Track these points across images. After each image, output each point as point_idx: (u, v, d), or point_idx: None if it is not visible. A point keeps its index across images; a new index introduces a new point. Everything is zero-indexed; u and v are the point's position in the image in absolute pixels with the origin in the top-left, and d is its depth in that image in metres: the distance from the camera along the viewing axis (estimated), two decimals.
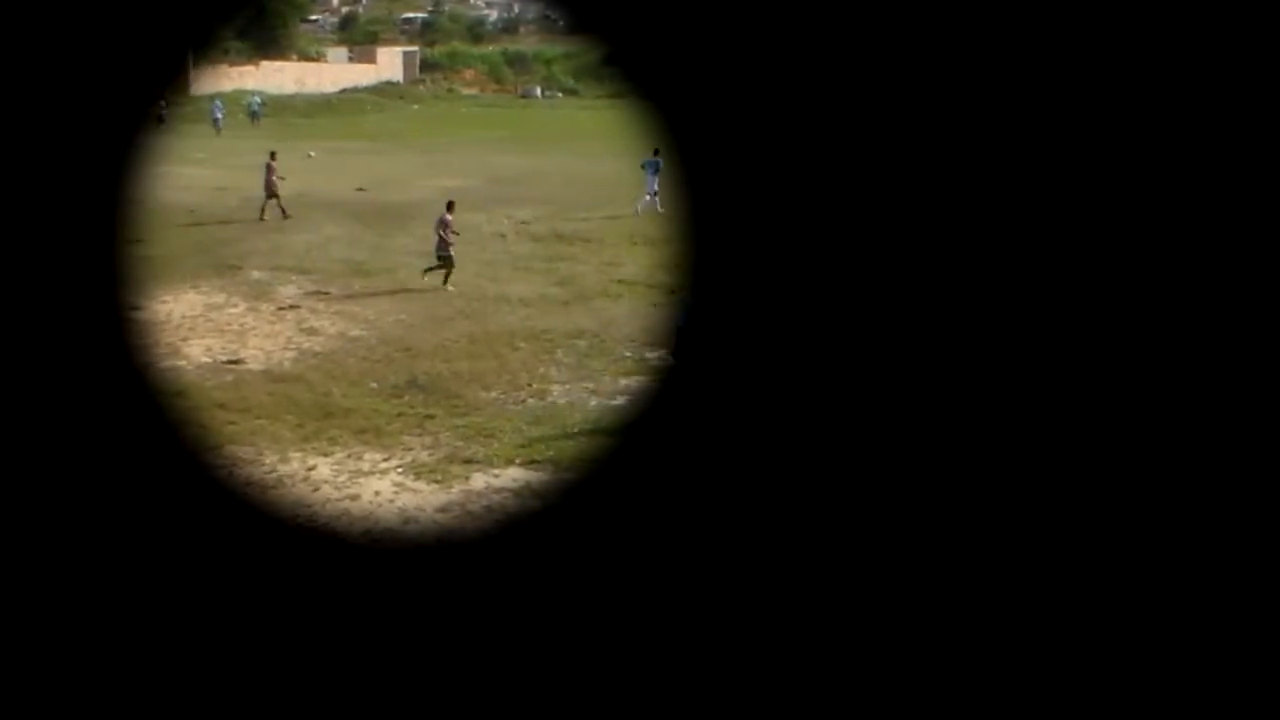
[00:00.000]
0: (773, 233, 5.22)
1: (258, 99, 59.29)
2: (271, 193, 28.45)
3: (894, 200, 5.03)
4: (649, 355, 16.80)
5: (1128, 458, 4.92)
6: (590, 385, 15.42)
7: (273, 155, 29.42)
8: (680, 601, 5.37)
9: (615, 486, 6.05)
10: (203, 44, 5.93)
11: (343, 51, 79.72)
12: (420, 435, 13.22)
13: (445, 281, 21.18)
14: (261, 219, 28.14)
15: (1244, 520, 4.80)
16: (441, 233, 21.45)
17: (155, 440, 5.97)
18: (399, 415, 13.88)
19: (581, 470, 9.01)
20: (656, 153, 27.94)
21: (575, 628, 5.38)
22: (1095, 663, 4.91)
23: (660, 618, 5.35)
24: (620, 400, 14.80)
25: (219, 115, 52.19)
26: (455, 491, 11.58)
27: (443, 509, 11.03)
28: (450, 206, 21.95)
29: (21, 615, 5.15)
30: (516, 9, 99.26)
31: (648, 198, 29.43)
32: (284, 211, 28.38)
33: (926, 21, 4.91)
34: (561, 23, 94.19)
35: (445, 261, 21.33)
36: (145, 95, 5.56)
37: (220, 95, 56.24)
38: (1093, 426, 4.94)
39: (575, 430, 13.51)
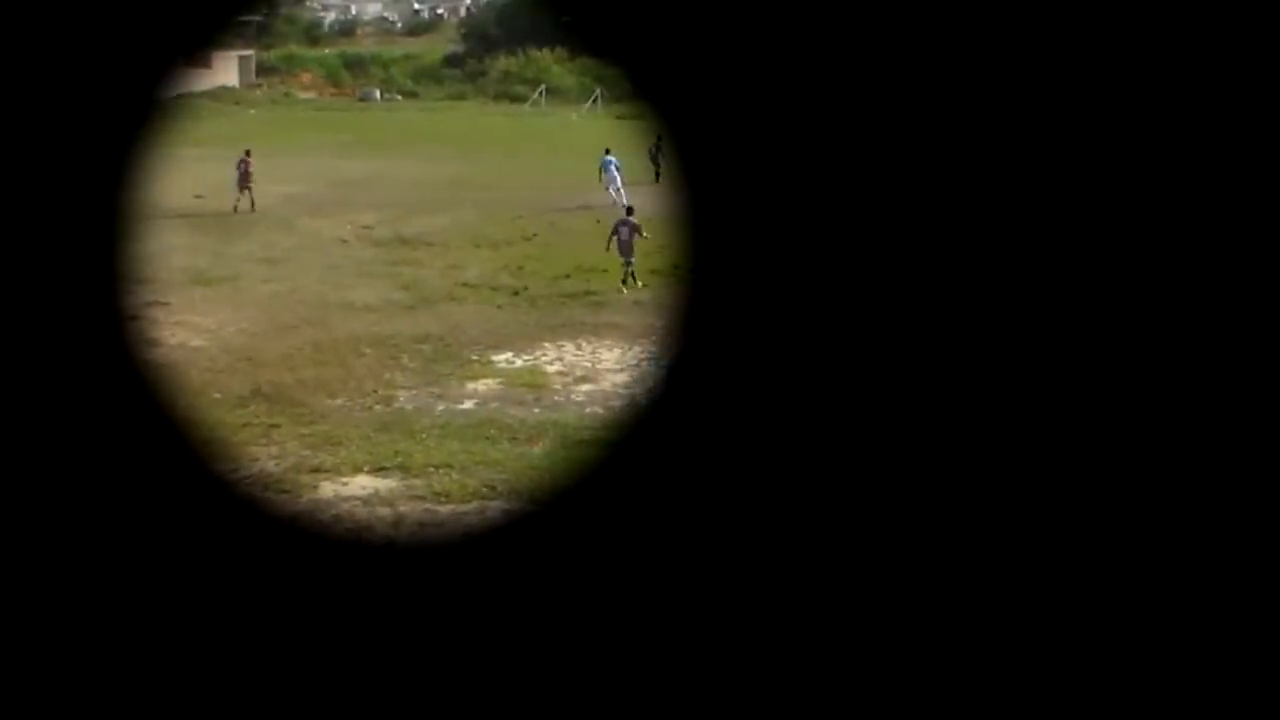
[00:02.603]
0: (773, 234, 5.27)
1: None
2: (245, 185, 30.66)
3: (895, 201, 5.10)
4: (495, 359, 16.85)
5: (1128, 458, 4.98)
6: (437, 390, 15.42)
7: (248, 152, 31.47)
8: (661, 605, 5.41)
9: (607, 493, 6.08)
10: (200, 43, 5.85)
11: None
12: (266, 445, 13.12)
13: (636, 281, 21.54)
14: (237, 211, 30.20)
15: (1244, 520, 4.87)
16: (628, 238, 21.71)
17: (155, 441, 5.91)
18: (244, 426, 13.73)
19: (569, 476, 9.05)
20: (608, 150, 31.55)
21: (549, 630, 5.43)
22: (1095, 663, 4.98)
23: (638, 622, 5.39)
24: (471, 404, 14.83)
25: None
26: (303, 501, 11.54)
27: (291, 519, 10.97)
28: (630, 211, 22.59)
29: None
30: (354, 11, 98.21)
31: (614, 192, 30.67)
32: (247, 205, 30.53)
33: (926, 21, 4.97)
34: (400, 24, 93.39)
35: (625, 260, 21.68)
36: (140, 97, 5.52)
37: None
38: (1093, 426, 5.00)
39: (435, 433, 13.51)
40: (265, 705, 5.22)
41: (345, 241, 26.53)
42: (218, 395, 14.92)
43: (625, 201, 27.63)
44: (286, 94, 72.73)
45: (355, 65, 78.56)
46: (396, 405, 14.80)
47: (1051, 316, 4.95)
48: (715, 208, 5.41)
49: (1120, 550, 4.98)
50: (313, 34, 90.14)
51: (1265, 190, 4.77)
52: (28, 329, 5.10)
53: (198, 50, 5.80)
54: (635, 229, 21.78)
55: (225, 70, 72.85)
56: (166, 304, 19.94)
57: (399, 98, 71.99)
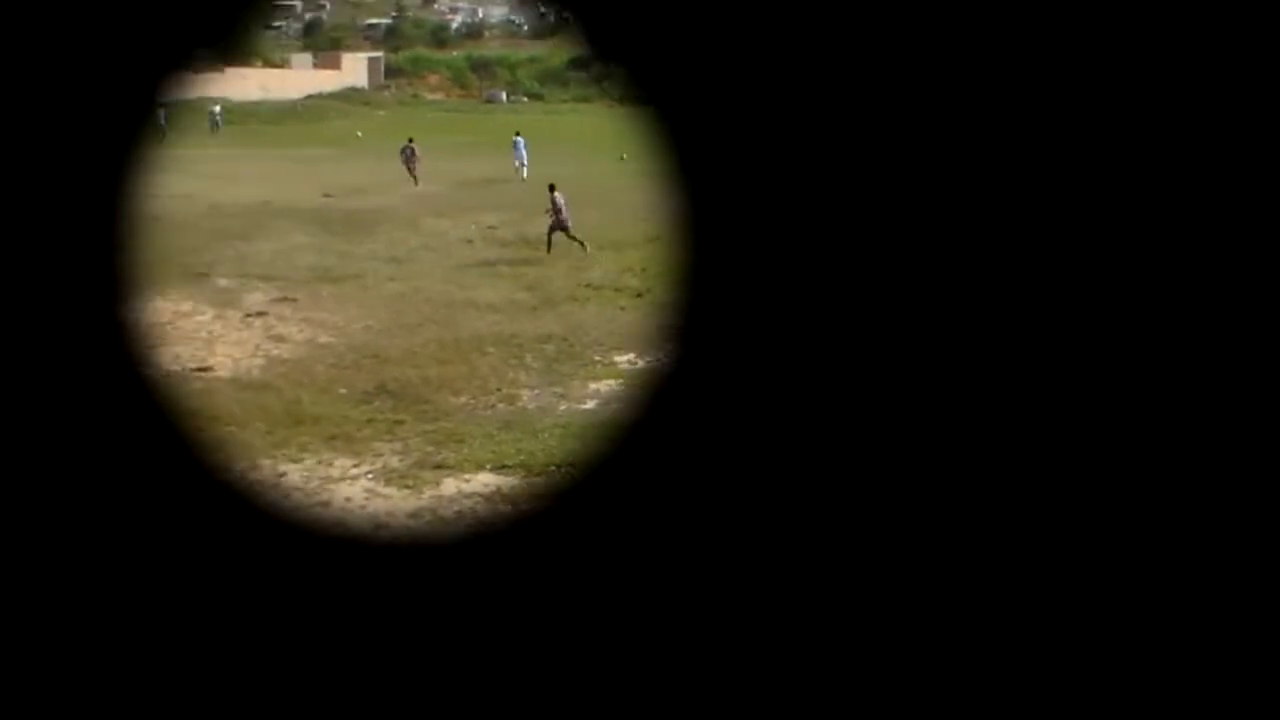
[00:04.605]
0: (774, 237, 5.25)
1: (217, 108, 59.08)
2: (412, 168, 37.62)
3: (898, 203, 5.07)
4: (618, 359, 16.83)
5: (1128, 458, 4.93)
6: (559, 390, 15.44)
7: (410, 140, 38.81)
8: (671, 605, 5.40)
9: (608, 488, 6.08)
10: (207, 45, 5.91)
11: (307, 58, 79.31)
12: (390, 441, 13.21)
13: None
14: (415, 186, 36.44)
15: (1244, 520, 4.80)
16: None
17: (156, 446, 5.98)
18: (368, 421, 13.86)
19: (573, 472, 9.08)
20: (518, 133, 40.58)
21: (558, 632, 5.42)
22: (1095, 663, 4.93)
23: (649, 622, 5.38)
24: (592, 404, 14.83)
25: (163, 123, 52.90)
26: (426, 497, 11.60)
27: (414, 515, 11.05)
28: (552, 187, 25.61)
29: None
30: (480, 14, 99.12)
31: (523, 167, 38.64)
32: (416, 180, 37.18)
33: (927, 22, 4.93)
34: (526, 27, 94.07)
35: (565, 231, 24.76)
36: (141, 99, 5.58)
37: (165, 104, 56.60)
38: (1093, 427, 4.96)
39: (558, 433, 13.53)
40: (288, 706, 5.26)
41: (470, 241, 26.75)
42: (343, 391, 15.08)
43: (524, 176, 36.92)
44: (414, 95, 73.74)
45: (481, 68, 79.34)
46: (519, 404, 14.84)
47: (1055, 326, 4.88)
48: (716, 209, 5.38)
49: (1120, 550, 4.90)
50: (440, 36, 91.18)
51: (1265, 190, 4.67)
52: (32, 333, 5.16)
53: (197, 52, 5.77)
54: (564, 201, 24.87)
55: (354, 72, 74.05)
56: (294, 301, 20.25)
57: (524, 100, 72.58)
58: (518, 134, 40.33)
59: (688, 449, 5.53)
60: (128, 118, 5.54)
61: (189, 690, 5.15)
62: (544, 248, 24.91)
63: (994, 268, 4.93)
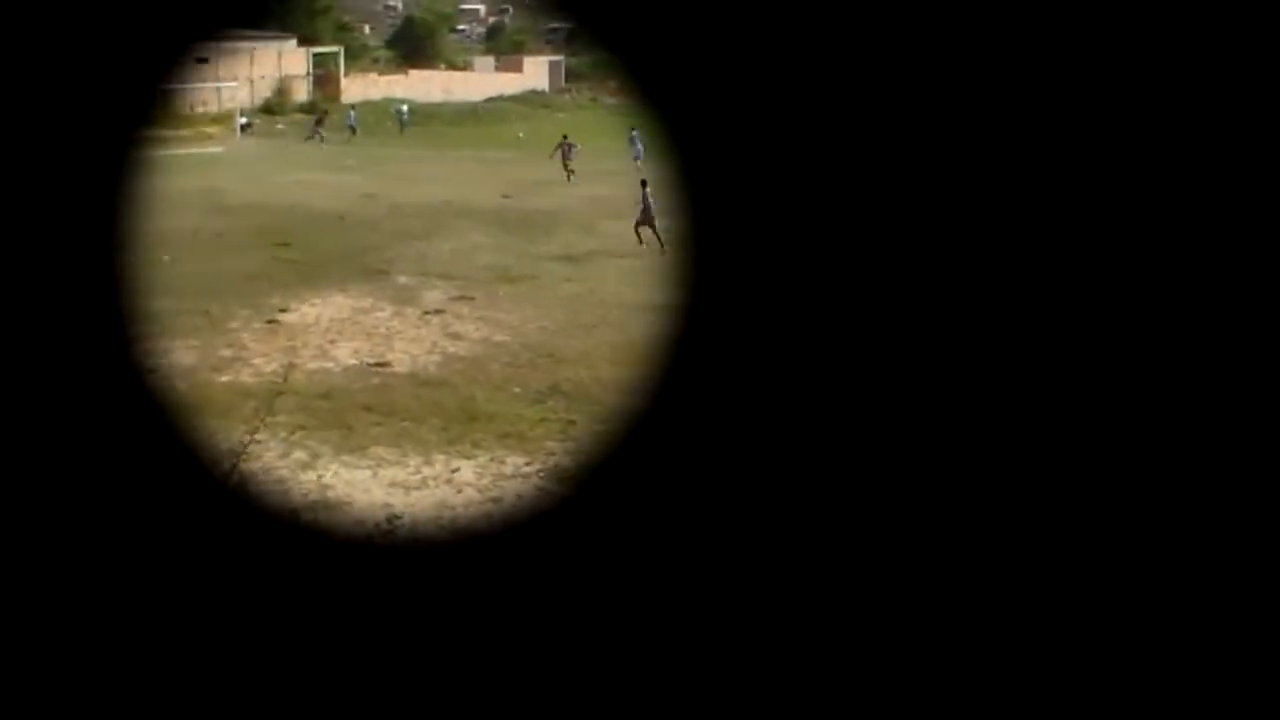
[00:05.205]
0: (777, 239, 5.23)
1: (405, 107, 60.35)
2: (566, 165, 39.35)
3: (901, 206, 5.05)
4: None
5: (1128, 458, 4.90)
6: None
7: (565, 136, 41.50)
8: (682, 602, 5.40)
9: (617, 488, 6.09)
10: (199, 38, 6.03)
11: (489, 61, 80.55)
12: (563, 441, 13.27)
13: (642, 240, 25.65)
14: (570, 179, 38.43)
15: (1244, 520, 4.73)
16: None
17: (162, 448, 6.07)
18: (541, 421, 13.95)
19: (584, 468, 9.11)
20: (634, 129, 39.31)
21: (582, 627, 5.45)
22: (1095, 663, 4.90)
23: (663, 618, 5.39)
24: None
25: (353, 122, 54.60)
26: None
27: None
28: (644, 184, 26.19)
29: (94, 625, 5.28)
30: None
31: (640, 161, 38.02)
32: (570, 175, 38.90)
33: (927, 23, 4.91)
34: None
35: (651, 226, 25.59)
36: (138, 98, 5.66)
37: (354, 105, 58.54)
38: (1093, 426, 4.93)
39: None
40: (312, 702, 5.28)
41: (643, 243, 26.81)
42: (517, 390, 15.20)
43: (640, 167, 34.90)
44: (593, 99, 74.24)
45: None
46: None
47: (1054, 329, 4.82)
48: (718, 211, 5.32)
49: (1120, 550, 4.85)
50: None
51: (1265, 190, 4.61)
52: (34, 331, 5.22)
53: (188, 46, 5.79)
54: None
55: (535, 75, 74.92)
56: (472, 299, 20.50)
57: None
58: (634, 129, 40.52)
59: (690, 453, 5.54)
60: (123, 111, 5.61)
61: (196, 686, 5.24)
62: (652, 243, 25.51)
63: (995, 270, 4.90)
